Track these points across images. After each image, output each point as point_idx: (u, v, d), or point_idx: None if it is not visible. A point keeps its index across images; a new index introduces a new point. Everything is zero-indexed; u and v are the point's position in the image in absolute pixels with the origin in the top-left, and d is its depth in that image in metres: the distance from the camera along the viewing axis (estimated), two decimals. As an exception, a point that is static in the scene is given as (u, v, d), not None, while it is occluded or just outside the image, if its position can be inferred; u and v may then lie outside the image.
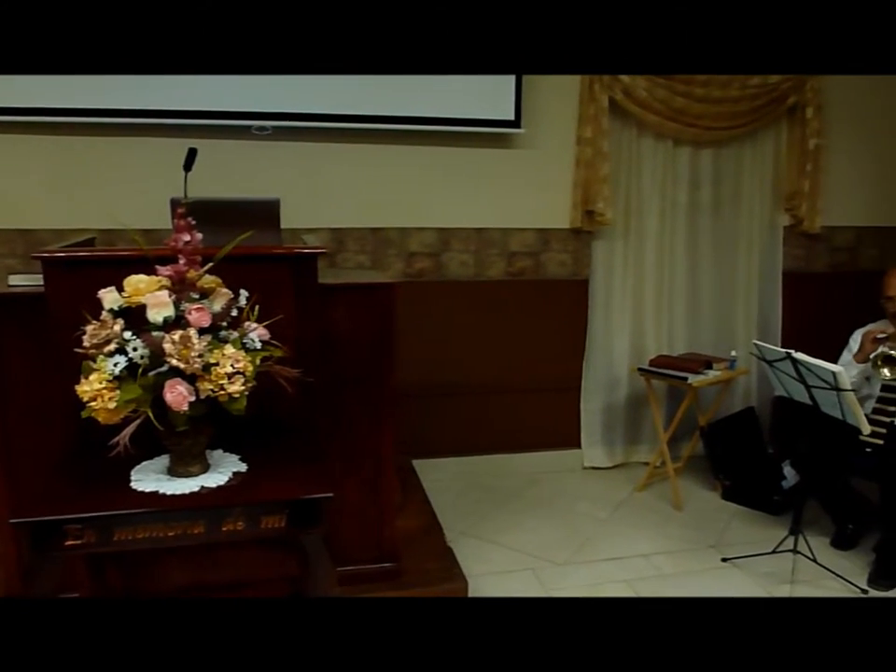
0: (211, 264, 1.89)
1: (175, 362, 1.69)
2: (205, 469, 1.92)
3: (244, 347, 1.81)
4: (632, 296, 4.11)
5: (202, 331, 1.75)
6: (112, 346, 1.73)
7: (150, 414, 1.71)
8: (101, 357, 1.72)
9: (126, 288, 1.80)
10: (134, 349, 1.72)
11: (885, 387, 3.13)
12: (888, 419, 3.06)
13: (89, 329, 1.76)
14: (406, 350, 2.93)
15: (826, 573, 2.98)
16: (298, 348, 2.13)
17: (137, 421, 1.73)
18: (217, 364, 1.72)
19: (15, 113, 3.25)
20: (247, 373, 1.75)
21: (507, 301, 3.99)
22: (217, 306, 1.86)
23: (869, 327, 3.29)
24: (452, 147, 3.77)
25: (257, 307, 1.91)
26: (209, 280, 1.90)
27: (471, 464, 4.06)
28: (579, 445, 4.22)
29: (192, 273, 1.85)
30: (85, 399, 1.69)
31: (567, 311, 4.06)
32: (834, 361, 2.99)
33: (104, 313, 1.79)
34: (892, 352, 3.01)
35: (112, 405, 1.69)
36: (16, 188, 3.39)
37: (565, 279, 4.05)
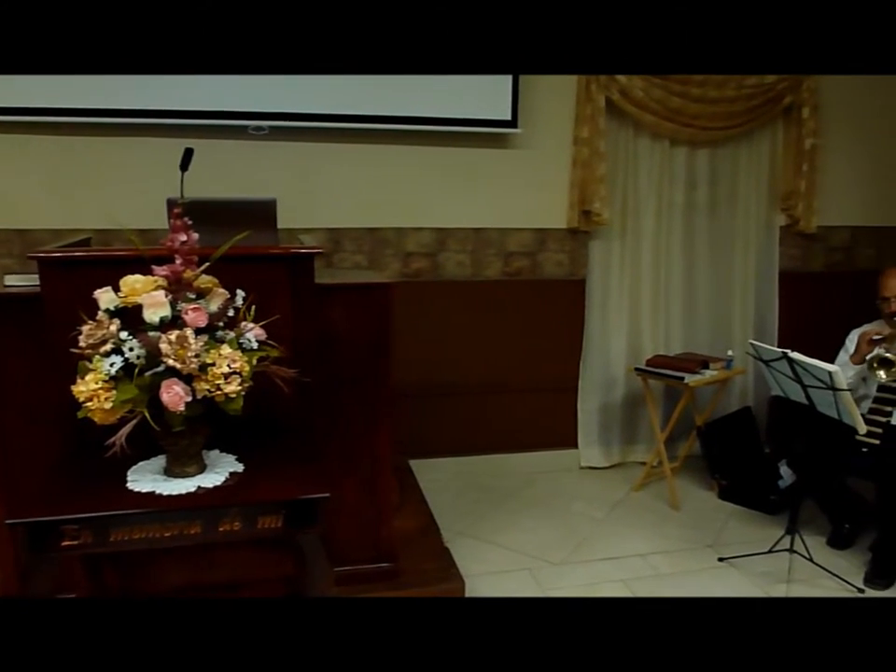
0: (207, 264, 1.89)
1: (171, 362, 1.69)
2: (202, 469, 1.92)
3: (240, 347, 1.81)
4: (629, 296, 4.12)
5: (198, 331, 1.75)
6: (108, 346, 1.73)
7: (147, 415, 1.71)
8: (97, 357, 1.72)
9: (122, 288, 1.80)
10: (131, 349, 1.72)
11: (881, 387, 3.13)
12: (884, 419, 3.07)
13: (85, 329, 1.76)
14: (403, 350, 2.93)
15: (822, 572, 2.99)
16: (294, 348, 2.13)
17: (134, 421, 1.73)
18: (213, 364, 1.72)
19: (11, 113, 3.25)
20: (244, 373, 1.75)
21: (504, 302, 3.99)
22: (214, 306, 1.86)
23: (865, 327, 3.29)
24: (449, 147, 3.77)
25: (253, 307, 1.91)
26: (206, 280, 1.90)
27: (468, 464, 4.06)
28: (576, 445, 4.22)
29: (189, 273, 1.85)
30: (81, 400, 1.69)
31: (564, 311, 4.06)
32: (831, 361, 2.99)
33: (100, 313, 1.79)
34: (888, 354, 3.01)
35: (108, 405, 1.69)
36: (12, 187, 3.38)
37: (561, 279, 4.05)
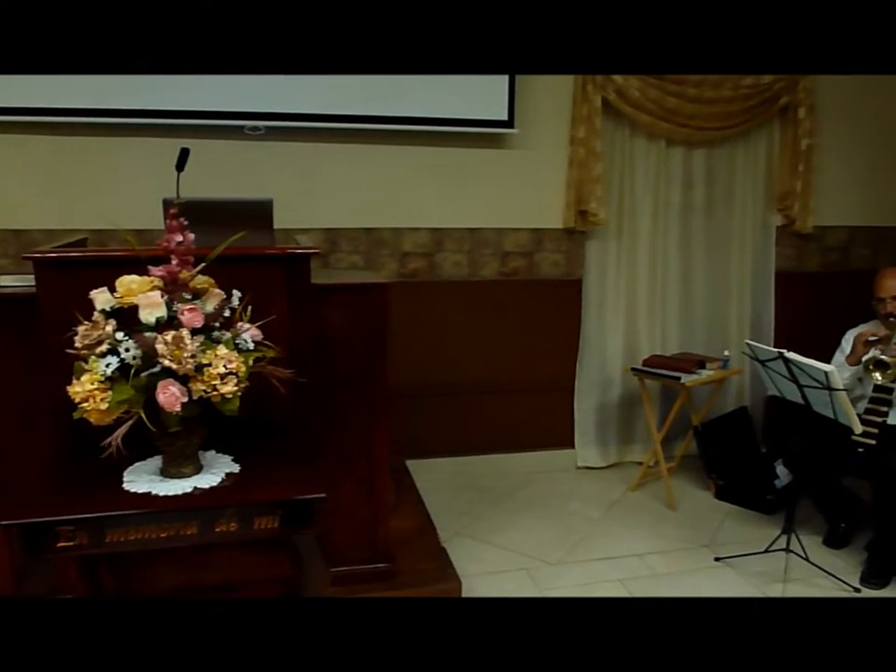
0: (203, 265, 1.89)
1: (167, 363, 1.69)
2: (198, 469, 1.91)
3: (236, 348, 1.81)
4: (625, 296, 4.12)
5: (194, 332, 1.75)
6: (104, 347, 1.72)
7: (143, 415, 1.71)
8: (93, 357, 1.72)
9: (118, 289, 1.80)
10: (127, 350, 1.71)
11: (877, 388, 3.14)
12: (879, 419, 3.07)
13: (81, 329, 1.75)
14: (400, 350, 2.93)
15: (818, 572, 3.00)
16: (291, 349, 2.13)
17: (129, 422, 1.73)
18: (209, 365, 1.72)
19: (6, 113, 3.24)
20: (240, 374, 1.75)
21: (500, 302, 3.99)
22: (210, 307, 1.86)
23: (861, 328, 3.30)
24: (445, 148, 3.77)
25: (249, 307, 1.90)
26: (202, 280, 1.90)
27: (465, 464, 4.06)
28: (572, 445, 4.22)
29: (185, 274, 1.84)
30: (77, 400, 1.69)
31: (561, 311, 4.07)
32: (827, 361, 3.00)
33: (95, 313, 1.78)
34: (884, 356, 3.02)
35: (104, 406, 1.68)
36: (8, 188, 3.38)
37: (558, 279, 4.05)
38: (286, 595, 2.06)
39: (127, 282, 1.80)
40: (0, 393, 2.29)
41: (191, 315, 1.75)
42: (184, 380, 1.72)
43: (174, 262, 1.82)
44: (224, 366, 1.72)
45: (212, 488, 1.85)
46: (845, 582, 2.96)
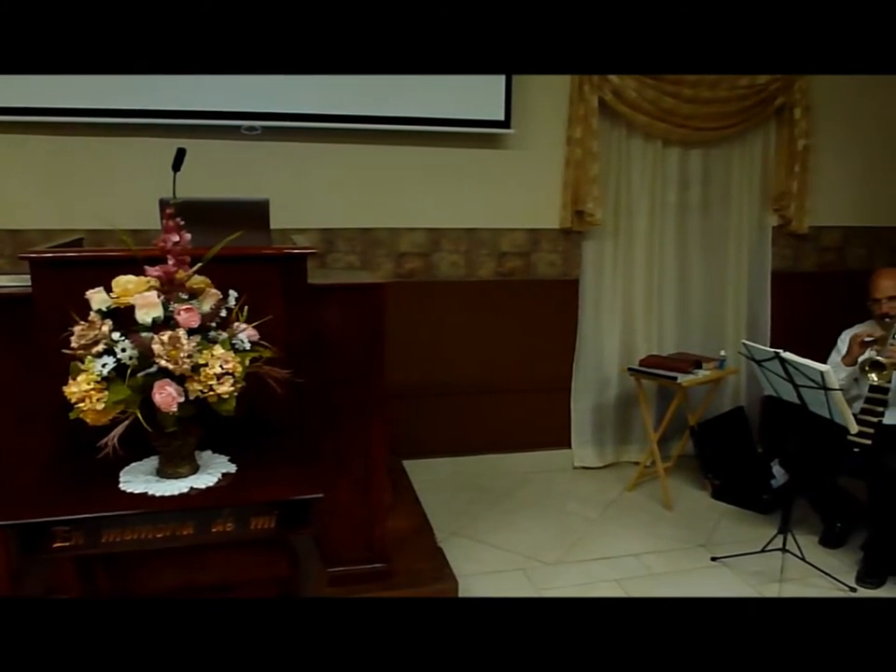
0: (200, 265, 1.88)
1: (163, 363, 1.68)
2: (195, 470, 1.91)
3: (233, 348, 1.80)
4: (622, 296, 4.13)
5: (191, 332, 1.74)
6: (100, 347, 1.72)
7: (139, 415, 1.71)
8: (89, 357, 1.71)
9: (114, 289, 1.79)
10: (123, 350, 1.71)
11: (872, 388, 3.14)
12: (875, 419, 3.08)
13: (77, 329, 1.75)
14: (396, 350, 2.93)
15: (815, 571, 3.00)
16: (287, 349, 2.13)
17: (126, 422, 1.72)
18: (206, 365, 1.71)
19: (3, 113, 3.23)
20: (237, 374, 1.74)
21: (497, 302, 3.99)
22: (206, 307, 1.85)
23: (856, 328, 3.31)
24: (442, 148, 3.77)
25: (246, 308, 1.90)
26: (198, 281, 1.89)
27: (462, 464, 4.06)
28: (569, 445, 4.23)
29: (181, 274, 1.84)
30: (73, 401, 1.69)
31: (558, 311, 4.07)
32: (823, 361, 3.00)
33: (92, 313, 1.78)
34: (880, 357, 3.02)
35: (100, 406, 1.68)
36: (4, 188, 3.37)
37: (555, 279, 4.06)
38: (282, 595, 2.06)
39: (123, 282, 1.80)
40: (-4, 393, 2.29)
41: (188, 316, 1.75)
42: (180, 380, 1.72)
43: (170, 262, 1.82)
44: (220, 366, 1.72)
45: (208, 488, 1.85)
46: (841, 582, 2.96)
